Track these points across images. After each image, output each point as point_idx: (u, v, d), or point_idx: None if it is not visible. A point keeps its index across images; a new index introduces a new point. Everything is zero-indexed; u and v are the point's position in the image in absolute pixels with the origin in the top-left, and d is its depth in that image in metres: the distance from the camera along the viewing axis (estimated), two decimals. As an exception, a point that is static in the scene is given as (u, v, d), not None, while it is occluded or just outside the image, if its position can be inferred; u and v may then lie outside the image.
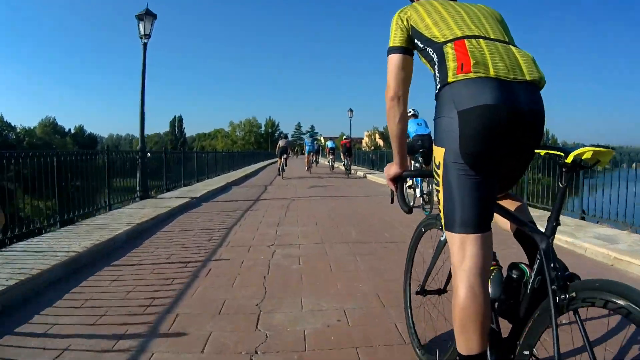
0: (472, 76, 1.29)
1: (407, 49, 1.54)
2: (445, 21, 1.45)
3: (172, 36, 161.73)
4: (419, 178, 7.17)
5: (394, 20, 1.57)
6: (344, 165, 19.93)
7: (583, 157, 1.23)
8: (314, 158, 22.17)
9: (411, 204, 7.49)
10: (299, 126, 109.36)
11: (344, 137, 21.64)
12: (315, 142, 24.31)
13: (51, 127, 77.38)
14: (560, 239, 4.85)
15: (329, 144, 22.77)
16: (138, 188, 8.92)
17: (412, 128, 7.57)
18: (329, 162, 22.74)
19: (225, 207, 8.18)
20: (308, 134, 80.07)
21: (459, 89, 1.31)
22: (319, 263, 4.07)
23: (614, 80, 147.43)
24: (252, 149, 68.85)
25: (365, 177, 17.16)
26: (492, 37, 1.41)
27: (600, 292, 1.07)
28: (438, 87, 1.39)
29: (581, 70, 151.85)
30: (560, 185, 1.31)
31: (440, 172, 1.36)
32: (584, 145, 1.27)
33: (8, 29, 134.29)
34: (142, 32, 9.33)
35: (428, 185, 6.81)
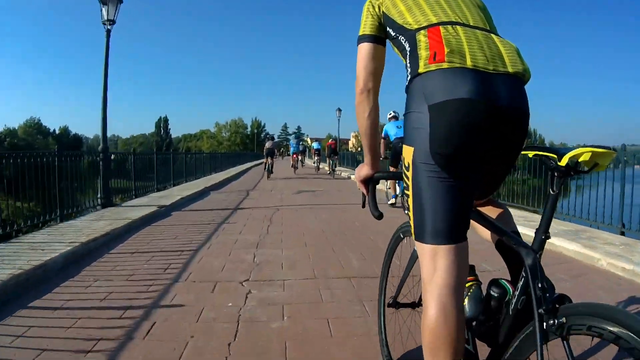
0: (446, 66, 1.17)
1: (379, 38, 1.42)
2: (420, 7, 1.32)
3: (158, 34, 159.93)
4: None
5: (365, 6, 1.46)
6: (328, 165, 19.99)
7: (580, 160, 1.09)
8: (300, 158, 22.30)
9: (394, 202, 7.58)
10: (285, 127, 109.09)
11: (330, 139, 22.07)
12: (301, 143, 25.03)
13: (35, 127, 75.42)
14: (615, 265, 3.86)
15: (315, 145, 23.79)
16: (99, 195, 7.75)
17: (392, 131, 7.73)
18: (314, 162, 23.40)
19: (198, 218, 7.01)
20: (294, 135, 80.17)
21: (430, 81, 1.19)
22: (311, 319, 2.77)
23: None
24: (238, 150, 67.70)
25: (349, 178, 16.94)
26: (471, 24, 1.28)
27: (596, 318, 0.94)
28: (408, 78, 1.27)
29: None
30: (552, 192, 1.16)
31: (409, 174, 1.23)
32: (579, 146, 1.16)
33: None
34: (105, 17, 8.13)
35: None
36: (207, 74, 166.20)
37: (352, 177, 14.32)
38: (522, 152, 1.30)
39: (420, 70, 1.20)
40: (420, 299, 1.77)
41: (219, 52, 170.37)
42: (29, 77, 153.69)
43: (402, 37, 1.32)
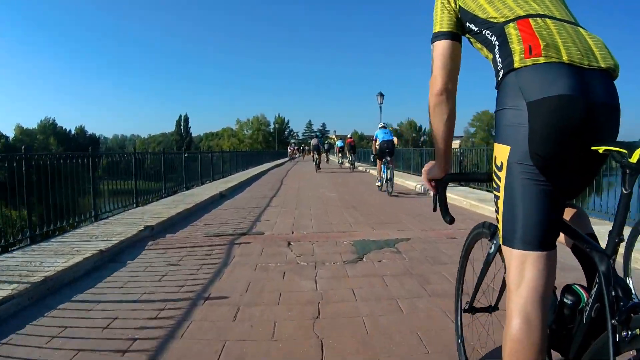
0: (543, 61, 1.12)
1: (456, 35, 1.39)
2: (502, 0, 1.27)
3: (178, 31, 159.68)
4: (385, 166, 10.28)
5: (439, 1, 1.42)
6: (348, 161, 22.85)
7: None
8: (319, 157, 21.85)
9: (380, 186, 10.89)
10: (310, 124, 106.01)
11: (349, 136, 24.00)
12: (327, 142, 32.46)
13: (50, 127, 75.52)
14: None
15: (339, 143, 26.40)
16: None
17: (381, 135, 10.40)
18: (338, 161, 26.36)
19: (178, 257, 4.50)
20: (316, 134, 78.94)
21: (527, 76, 1.13)
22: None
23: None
24: (261, 148, 65.18)
25: (366, 171, 19.32)
26: (557, 17, 1.23)
27: None
28: (501, 73, 1.20)
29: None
30: (624, 192, 1.09)
31: (501, 174, 1.18)
32: None
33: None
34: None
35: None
36: (229, 70, 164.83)
37: (371, 171, 16.02)
38: (592, 148, 1.11)
39: (516, 65, 1.15)
40: (497, 303, 1.77)
41: (242, 47, 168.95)
42: (44, 75, 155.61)
43: (488, 31, 1.27)
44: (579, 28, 1.22)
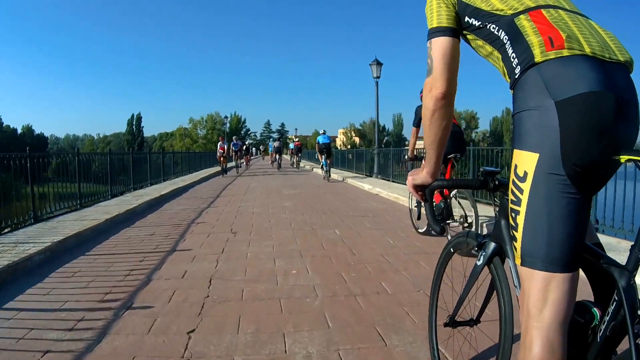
0: (567, 53, 1.04)
1: (456, 31, 1.29)
2: None
3: (135, 28, 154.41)
4: (325, 161, 15.44)
5: None
6: (295, 162, 25.98)
7: None
8: (277, 157, 26.75)
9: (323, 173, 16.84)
10: (268, 124, 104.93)
11: (296, 139, 28.09)
12: (280, 143, 31.68)
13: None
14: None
15: (290, 145, 29.26)
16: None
17: (321, 139, 15.70)
18: (291, 160, 29.09)
19: None
20: (271, 138, 78.98)
21: (553, 71, 1.04)
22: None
23: None
24: (214, 149, 62.31)
25: (312, 170, 21.87)
26: (567, 8, 1.17)
27: None
28: (517, 70, 1.11)
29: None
30: None
31: (525, 186, 1.09)
32: None
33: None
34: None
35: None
36: (186, 68, 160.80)
37: (337, 176, 17.43)
38: (621, 158, 1.05)
39: (538, 59, 1.07)
40: (479, 316, 1.76)
41: (197, 41, 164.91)
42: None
43: (494, 25, 1.20)
44: (589, 20, 1.17)
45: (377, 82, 16.00)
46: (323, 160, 15.62)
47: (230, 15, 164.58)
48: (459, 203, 5.12)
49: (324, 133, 16.14)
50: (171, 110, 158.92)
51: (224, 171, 18.99)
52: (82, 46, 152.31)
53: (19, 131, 78.79)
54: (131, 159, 12.25)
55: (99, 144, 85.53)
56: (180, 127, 77.82)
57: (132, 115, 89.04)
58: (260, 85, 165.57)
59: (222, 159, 18.63)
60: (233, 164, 23.73)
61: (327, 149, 15.39)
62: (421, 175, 1.45)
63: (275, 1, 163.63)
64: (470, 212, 4.83)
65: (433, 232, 1.47)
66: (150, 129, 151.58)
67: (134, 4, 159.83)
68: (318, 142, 15.78)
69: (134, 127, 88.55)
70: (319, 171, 18.38)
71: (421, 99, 6.36)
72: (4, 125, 74.14)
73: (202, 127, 76.11)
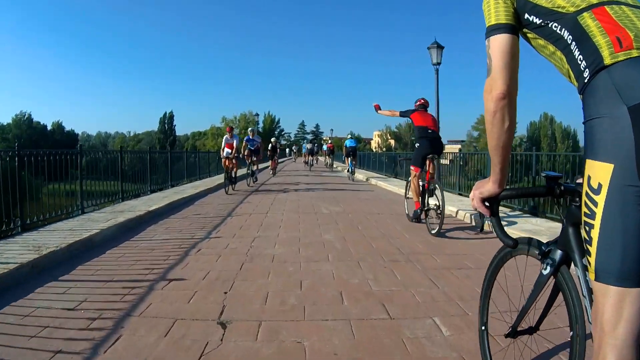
0: (636, 54, 0.99)
1: (515, 28, 1.25)
2: None
3: (166, 26, 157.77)
4: (350, 163, 17.57)
5: None
6: (326, 164, 28.85)
7: None
8: (311, 158, 29.17)
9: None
10: (302, 125, 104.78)
11: (329, 141, 28.92)
12: (315, 145, 34.34)
13: (26, 122, 73.82)
14: None
15: (324, 147, 31.50)
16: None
17: (348, 143, 18.34)
18: (325, 163, 30.08)
19: None
20: (305, 139, 79.22)
21: (624, 74, 0.99)
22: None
23: None
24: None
25: (343, 171, 22.08)
26: (631, 3, 1.12)
27: None
28: (586, 74, 1.07)
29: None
30: None
31: (599, 199, 1.04)
32: None
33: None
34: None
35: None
36: (220, 68, 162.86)
37: (363, 177, 18.47)
38: None
39: (607, 61, 1.02)
40: (538, 324, 1.71)
41: (235, 42, 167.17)
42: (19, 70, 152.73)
43: (556, 24, 1.16)
44: None
45: (437, 70, 12.18)
46: (349, 163, 17.73)
47: (265, 18, 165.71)
48: (435, 194, 5.85)
49: (351, 137, 19.14)
50: (204, 109, 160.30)
51: (231, 181, 12.07)
52: (116, 41, 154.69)
53: (49, 128, 79.61)
54: (169, 157, 13.02)
55: (130, 142, 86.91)
56: (213, 126, 79.24)
57: (165, 114, 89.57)
58: (295, 85, 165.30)
59: (227, 162, 11.97)
60: (245, 170, 14.97)
61: (353, 152, 17.84)
62: (488, 186, 1.38)
63: (316, 2, 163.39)
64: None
65: (506, 245, 1.34)
66: (182, 128, 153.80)
67: (171, 2, 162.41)
68: (345, 146, 18.55)
69: (165, 125, 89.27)
70: (345, 172, 19.57)
71: (415, 107, 6.72)
72: (34, 121, 75.38)
73: (235, 126, 76.81)
